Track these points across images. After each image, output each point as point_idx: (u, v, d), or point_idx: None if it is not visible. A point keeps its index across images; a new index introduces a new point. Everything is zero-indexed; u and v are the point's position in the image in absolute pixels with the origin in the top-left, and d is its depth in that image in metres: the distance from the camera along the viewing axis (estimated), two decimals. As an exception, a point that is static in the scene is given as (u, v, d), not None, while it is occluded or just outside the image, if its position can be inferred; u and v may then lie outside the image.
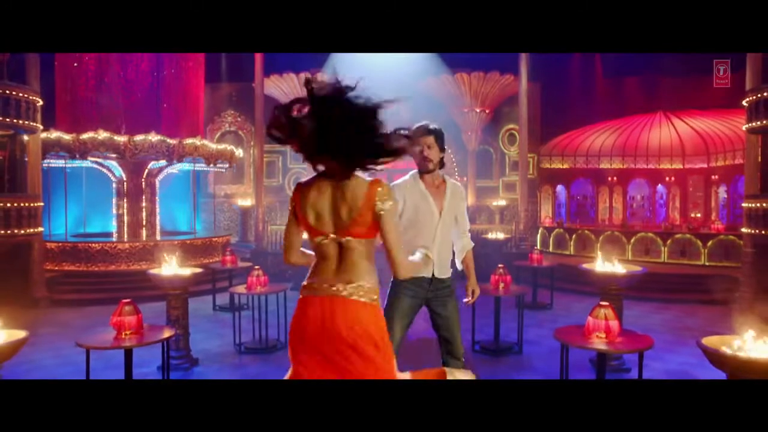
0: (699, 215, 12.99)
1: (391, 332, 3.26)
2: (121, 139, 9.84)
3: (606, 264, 5.21)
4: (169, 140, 10.17)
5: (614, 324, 3.70)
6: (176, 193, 13.25)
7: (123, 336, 3.84)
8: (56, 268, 9.64)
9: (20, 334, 3.31)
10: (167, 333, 4.08)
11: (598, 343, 3.67)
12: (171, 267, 5.24)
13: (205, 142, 11.05)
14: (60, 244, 9.92)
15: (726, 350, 3.01)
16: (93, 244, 9.96)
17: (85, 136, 9.72)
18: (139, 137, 9.95)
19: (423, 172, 3.21)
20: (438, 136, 3.18)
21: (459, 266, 3.47)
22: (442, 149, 3.21)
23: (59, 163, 10.72)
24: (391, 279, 3.26)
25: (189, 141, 10.48)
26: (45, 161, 9.71)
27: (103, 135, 9.73)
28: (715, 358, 3.06)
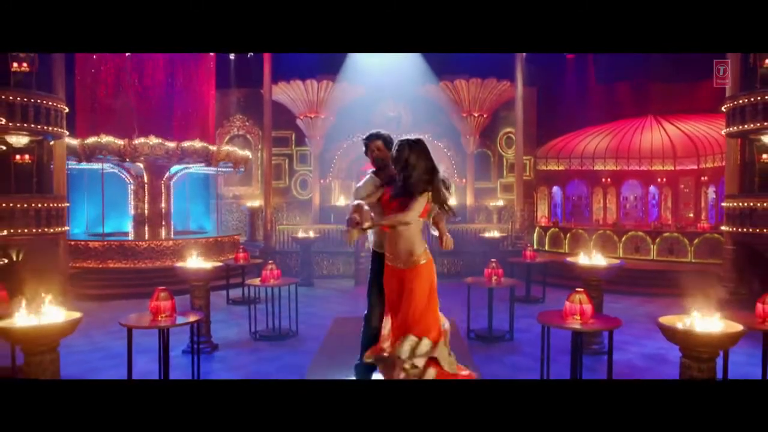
0: (692, 215, 13.45)
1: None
2: (170, 144, 10.52)
3: (588, 258, 5.77)
4: (210, 147, 11.01)
5: (588, 307, 4.25)
6: (182, 194, 13.81)
7: (159, 318, 4.40)
8: (100, 266, 10.14)
9: (76, 314, 3.88)
10: (195, 317, 4.64)
11: (574, 323, 4.21)
12: (195, 261, 5.81)
13: (236, 148, 12.01)
14: (107, 243, 10.41)
15: (676, 326, 3.57)
16: (141, 243, 10.58)
17: (137, 141, 10.32)
18: (186, 143, 10.73)
19: (378, 170, 3.77)
20: (385, 140, 3.76)
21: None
22: (389, 150, 3.70)
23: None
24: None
25: (225, 147, 11.56)
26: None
27: (154, 140, 10.37)
28: (669, 333, 3.62)
